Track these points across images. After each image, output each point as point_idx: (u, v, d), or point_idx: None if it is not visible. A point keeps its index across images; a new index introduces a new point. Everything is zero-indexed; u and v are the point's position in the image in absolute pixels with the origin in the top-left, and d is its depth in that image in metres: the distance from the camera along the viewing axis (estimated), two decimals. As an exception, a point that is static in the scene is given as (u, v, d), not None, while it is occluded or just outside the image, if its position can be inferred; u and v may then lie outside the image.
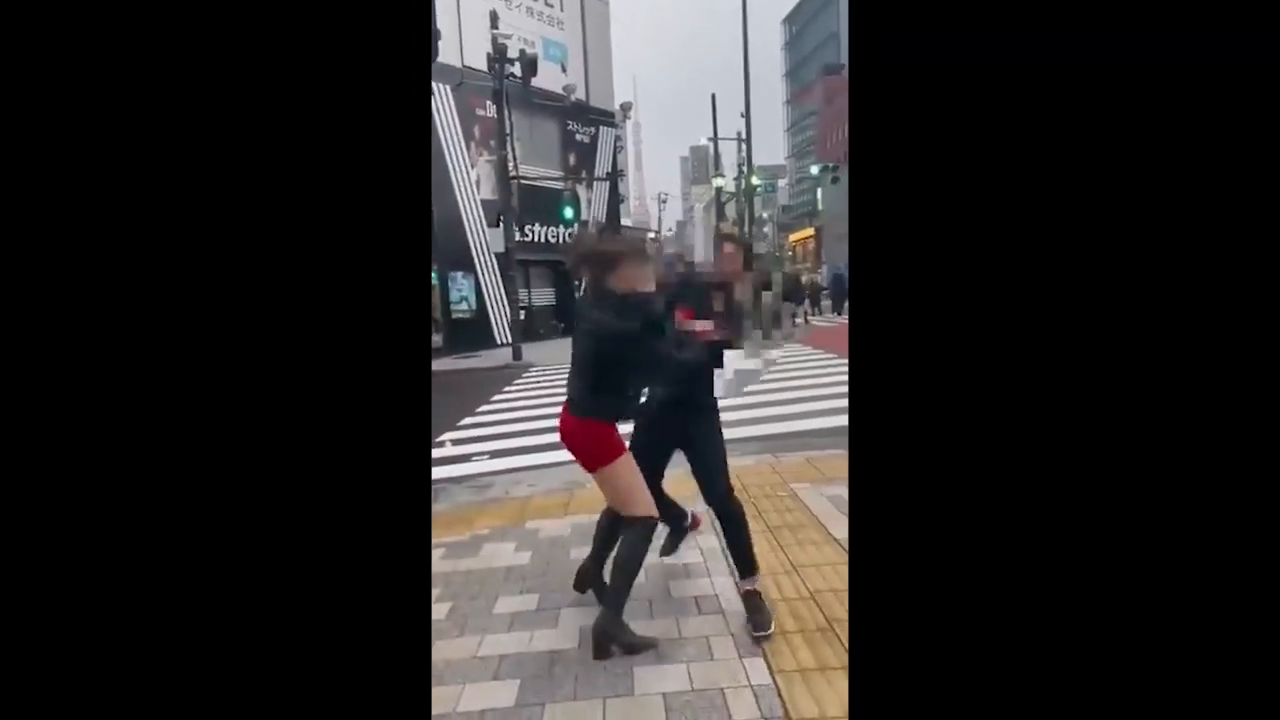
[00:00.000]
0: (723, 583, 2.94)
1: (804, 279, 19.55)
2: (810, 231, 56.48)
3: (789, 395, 7.74)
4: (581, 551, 3.11)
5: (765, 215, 19.79)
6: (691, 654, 2.38)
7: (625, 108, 20.38)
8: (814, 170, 22.40)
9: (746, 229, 17.57)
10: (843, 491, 4.06)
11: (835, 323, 18.03)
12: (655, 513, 2.53)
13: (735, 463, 5.11)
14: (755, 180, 19.60)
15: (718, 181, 23.87)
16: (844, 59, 50.94)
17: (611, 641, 2.36)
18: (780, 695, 2.11)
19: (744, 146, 18.35)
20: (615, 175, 20.38)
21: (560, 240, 18.98)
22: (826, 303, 21.31)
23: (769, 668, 2.26)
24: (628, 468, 2.47)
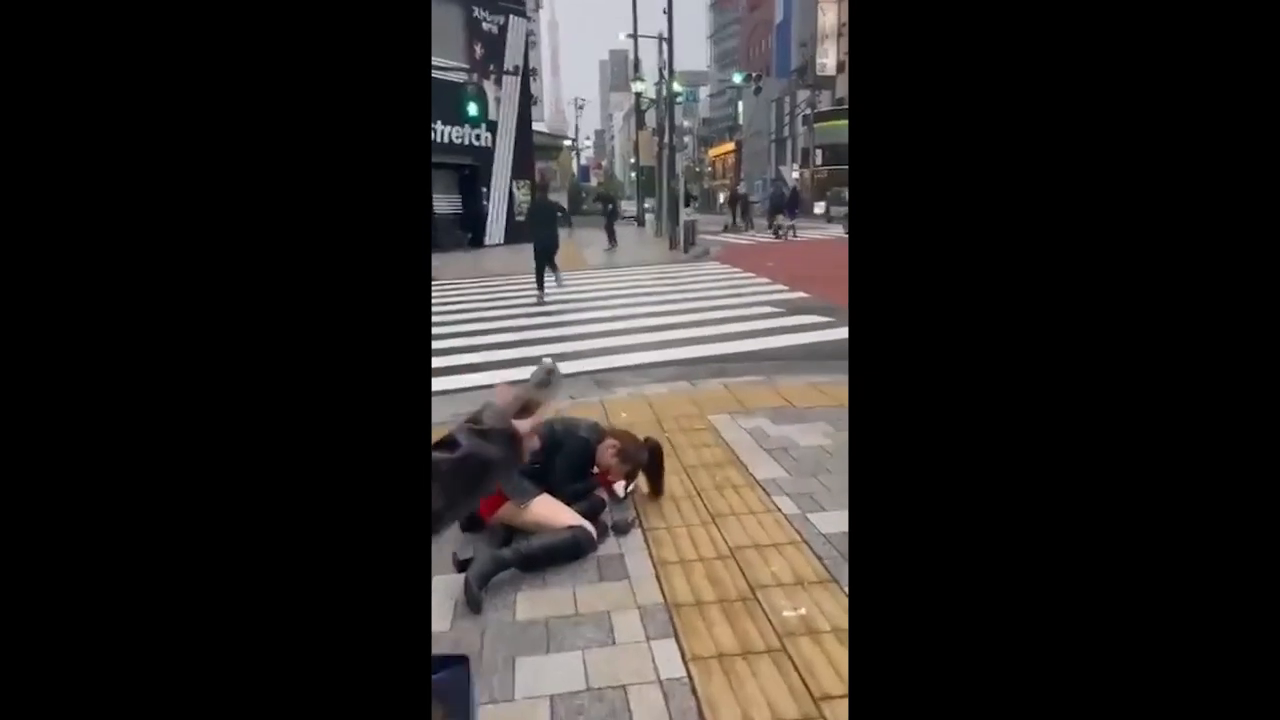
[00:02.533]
0: (631, 542, 2.52)
1: (725, 195, 19.23)
2: (730, 146, 55.57)
3: (705, 317, 7.35)
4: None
5: (686, 124, 18.84)
6: (589, 637, 1.96)
7: (538, -4, 18.49)
8: (737, 79, 21.40)
9: (667, 138, 16.63)
10: (764, 424, 3.72)
11: (756, 238, 17.74)
12: (586, 524, 2.47)
13: (648, 390, 4.77)
14: (676, 87, 18.54)
15: (637, 86, 22.54)
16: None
17: (468, 567, 2.21)
18: (695, 693, 1.72)
19: (665, 47, 17.07)
20: (526, 70, 18.76)
21: (466, 140, 17.50)
22: (761, 220, 21.31)
23: (682, 653, 1.87)
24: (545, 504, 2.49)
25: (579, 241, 18.20)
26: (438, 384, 4.99)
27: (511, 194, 19.10)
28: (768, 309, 7.68)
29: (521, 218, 19.43)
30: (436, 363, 5.75)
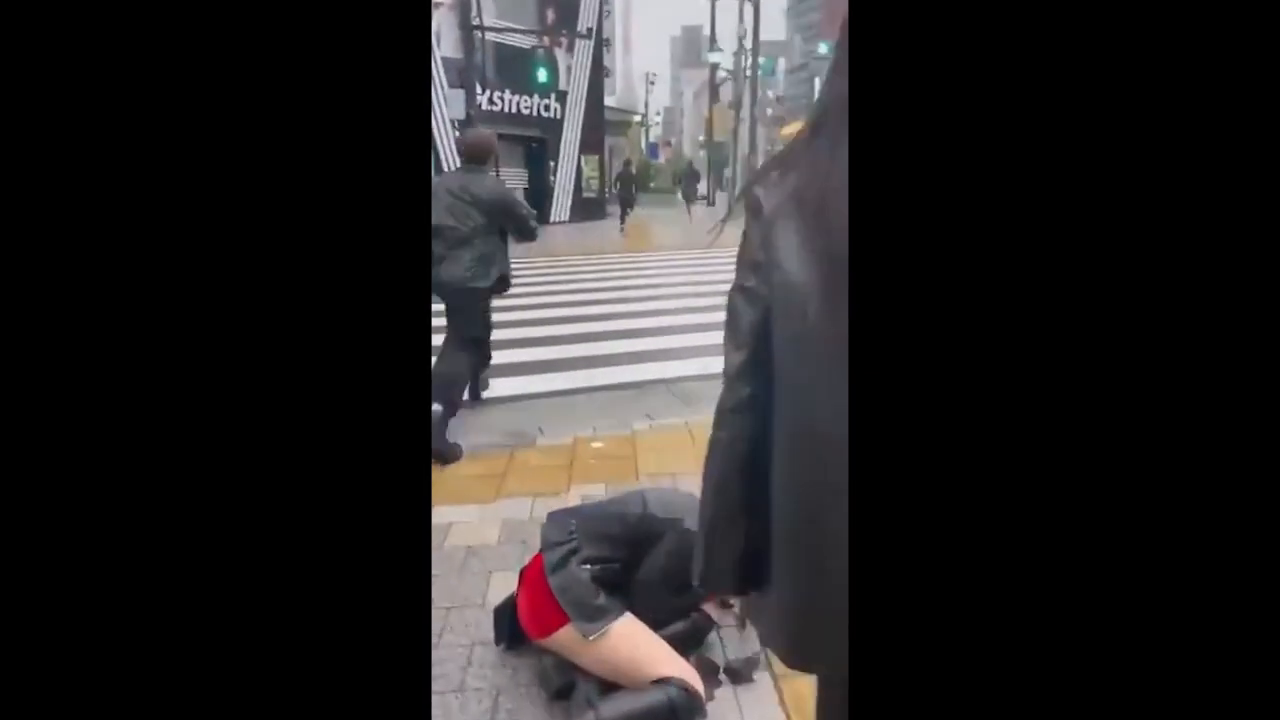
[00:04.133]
0: (756, 697, 1.60)
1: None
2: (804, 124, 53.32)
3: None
4: (508, 581, 1.77)
5: (771, 95, 17.75)
6: None
7: (615, -45, 17.40)
8: (823, 48, 19.89)
9: (747, 111, 15.40)
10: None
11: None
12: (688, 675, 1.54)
13: (697, 419, 3.74)
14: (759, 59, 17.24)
15: (714, 57, 21.29)
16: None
17: None
18: None
19: (751, 10, 15.62)
20: (600, 37, 17.78)
21: (535, 111, 16.71)
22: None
23: None
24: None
25: (650, 220, 17.26)
26: (506, 387, 4.17)
27: (579, 170, 18.25)
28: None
29: (590, 194, 18.78)
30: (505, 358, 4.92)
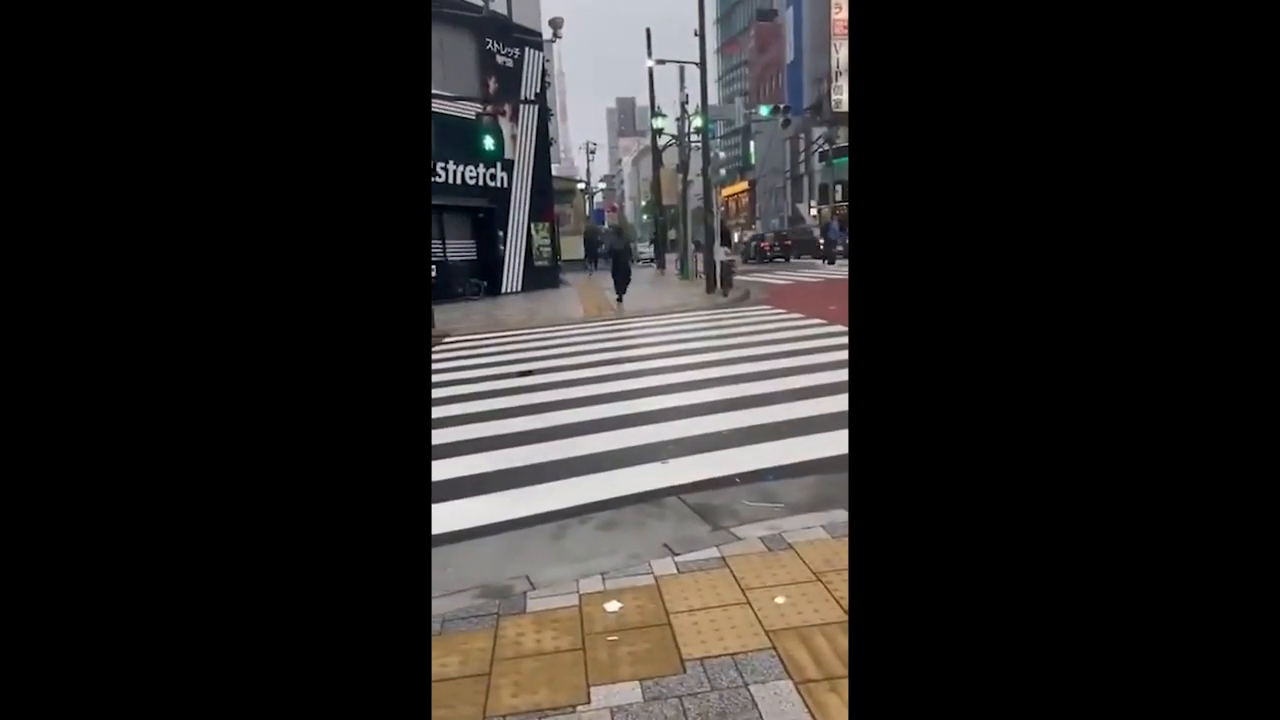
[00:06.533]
0: None
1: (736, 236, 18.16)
2: (743, 185, 54.77)
3: (802, 384, 5.67)
4: None
5: (722, 155, 17.85)
6: None
7: (555, 24, 17.25)
8: (764, 111, 20.18)
9: (700, 172, 15.21)
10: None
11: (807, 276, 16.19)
12: None
13: (792, 532, 2.46)
14: (699, 122, 17.25)
15: (658, 122, 21.38)
16: (776, 3, 48.81)
17: None
18: None
19: (687, 74, 15.68)
20: (544, 105, 17.54)
21: (481, 181, 16.19)
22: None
23: None
24: None
25: (605, 286, 16.71)
26: (470, 511, 3.31)
27: (530, 237, 17.69)
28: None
29: (543, 263, 18.22)
30: (463, 468, 4.05)
